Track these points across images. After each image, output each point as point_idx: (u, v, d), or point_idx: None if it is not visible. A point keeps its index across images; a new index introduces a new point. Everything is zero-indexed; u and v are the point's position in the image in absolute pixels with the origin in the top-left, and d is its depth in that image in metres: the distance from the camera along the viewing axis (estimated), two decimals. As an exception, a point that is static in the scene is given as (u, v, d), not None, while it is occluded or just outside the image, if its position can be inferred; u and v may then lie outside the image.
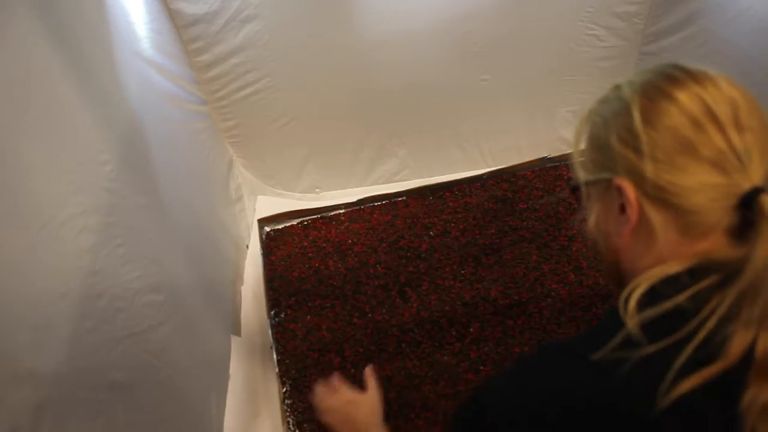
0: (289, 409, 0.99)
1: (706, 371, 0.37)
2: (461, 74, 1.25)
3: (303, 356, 1.06)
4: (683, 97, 0.41)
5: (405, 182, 1.42)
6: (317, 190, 1.41)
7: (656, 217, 0.42)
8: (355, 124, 1.31)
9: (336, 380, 0.81)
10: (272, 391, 1.02)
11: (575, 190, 0.51)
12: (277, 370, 1.03)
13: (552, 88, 1.28)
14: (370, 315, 1.12)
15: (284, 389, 1.02)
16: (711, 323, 0.37)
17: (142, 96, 0.81)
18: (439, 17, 1.13)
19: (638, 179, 0.43)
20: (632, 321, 0.39)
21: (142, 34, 0.88)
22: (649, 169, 0.42)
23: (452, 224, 1.28)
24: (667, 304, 0.39)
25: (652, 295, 0.41)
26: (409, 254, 1.23)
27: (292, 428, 0.97)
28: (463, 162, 1.43)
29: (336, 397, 0.79)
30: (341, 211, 1.34)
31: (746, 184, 0.39)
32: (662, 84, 0.43)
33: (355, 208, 1.35)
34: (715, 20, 1.05)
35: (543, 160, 1.38)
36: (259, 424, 0.97)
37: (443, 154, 1.41)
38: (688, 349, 0.37)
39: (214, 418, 0.86)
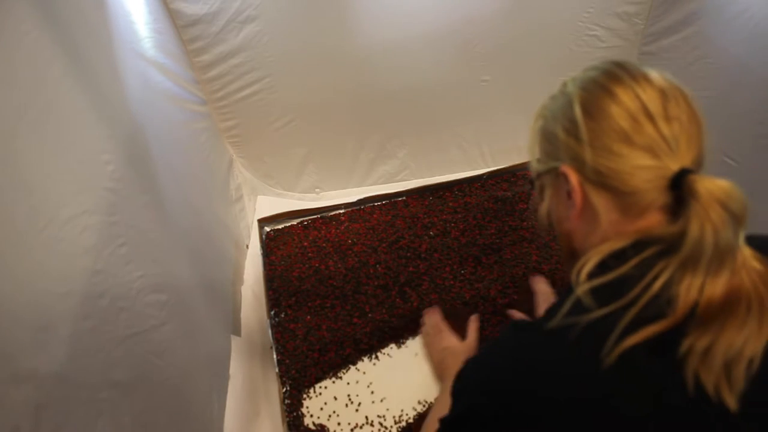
0: (288, 409, 0.99)
1: (651, 328, 0.40)
2: (461, 75, 1.25)
3: (303, 356, 1.06)
4: (620, 92, 0.46)
5: (405, 182, 1.42)
6: (317, 190, 1.41)
7: (598, 199, 0.48)
8: (355, 125, 1.31)
9: (443, 322, 0.89)
10: (272, 391, 1.02)
11: (533, 182, 0.56)
12: (277, 370, 1.03)
13: (552, 89, 1.28)
14: (370, 315, 1.12)
15: (284, 389, 1.01)
16: (656, 287, 0.41)
17: (143, 96, 0.81)
18: (439, 18, 1.13)
19: (580, 165, 0.48)
20: (582, 288, 0.44)
21: (143, 33, 0.88)
22: (588, 155, 0.47)
23: (452, 224, 1.29)
24: (614, 273, 0.43)
25: (601, 267, 0.45)
26: (409, 254, 1.23)
27: (292, 428, 0.97)
28: (463, 162, 1.43)
29: (438, 338, 0.87)
30: (341, 211, 1.34)
31: (675, 166, 0.44)
32: (603, 80, 0.48)
33: (355, 208, 1.35)
34: (713, 22, 1.05)
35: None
36: (259, 424, 0.96)
37: (443, 154, 1.41)
38: (633, 310, 0.41)
39: (215, 418, 0.86)
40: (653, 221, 0.46)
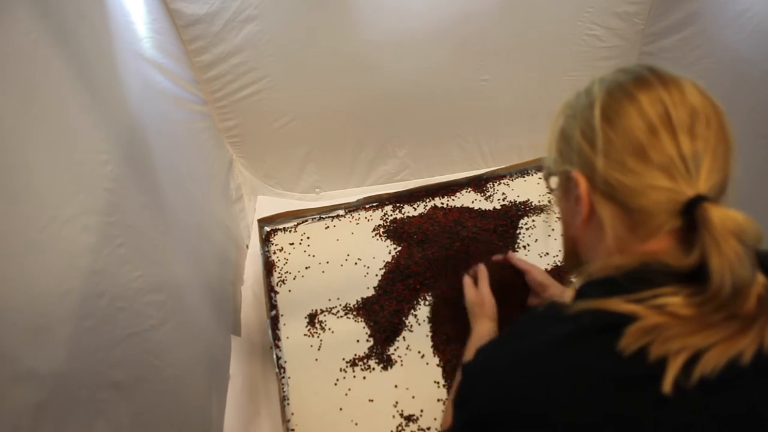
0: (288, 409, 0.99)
1: None
2: (461, 75, 1.25)
3: (304, 356, 1.05)
4: (645, 99, 0.43)
5: (405, 182, 1.42)
6: (317, 190, 1.41)
7: (605, 212, 0.45)
8: (355, 125, 1.31)
9: (478, 276, 0.99)
10: (272, 391, 1.02)
11: (547, 178, 0.54)
12: (277, 370, 1.03)
13: (552, 89, 1.28)
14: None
15: (284, 389, 1.01)
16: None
17: (143, 96, 0.81)
18: (439, 18, 1.13)
19: (591, 172, 0.45)
20: (569, 307, 0.43)
21: (143, 33, 0.88)
22: (600, 164, 0.44)
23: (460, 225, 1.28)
24: (601, 303, 0.42)
25: (609, 283, 0.44)
26: (409, 254, 1.22)
27: (292, 428, 0.97)
28: (463, 162, 1.43)
29: (470, 292, 0.97)
30: (341, 211, 1.34)
31: (690, 192, 0.41)
32: (629, 85, 0.45)
33: (355, 207, 1.35)
34: (713, 21, 1.05)
35: (543, 160, 1.38)
36: (259, 424, 0.96)
37: (443, 154, 1.41)
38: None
39: (214, 418, 0.86)
40: (663, 246, 0.43)
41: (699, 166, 0.41)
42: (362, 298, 1.14)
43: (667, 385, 0.37)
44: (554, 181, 0.53)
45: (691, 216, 0.41)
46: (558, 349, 0.43)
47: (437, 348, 1.05)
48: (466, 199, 1.35)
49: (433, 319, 1.09)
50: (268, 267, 1.23)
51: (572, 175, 0.47)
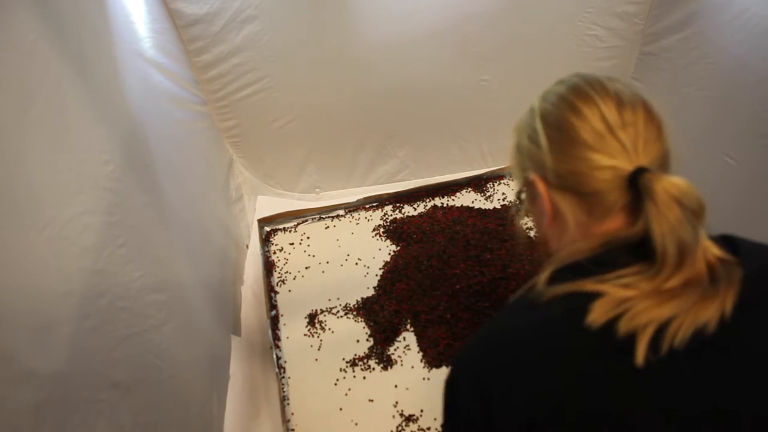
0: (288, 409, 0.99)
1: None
2: (461, 75, 1.25)
3: (304, 356, 1.05)
4: (585, 108, 0.48)
5: (405, 182, 1.42)
6: (317, 190, 1.41)
7: (563, 202, 0.49)
8: (355, 125, 1.31)
9: None
10: (272, 391, 1.02)
11: (518, 196, 0.58)
12: (277, 370, 1.03)
13: (552, 89, 1.28)
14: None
15: (284, 389, 1.01)
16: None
17: (143, 96, 0.81)
18: (439, 18, 1.13)
19: (543, 171, 0.50)
20: (542, 292, 0.47)
21: (143, 33, 0.88)
22: (548, 160, 0.49)
23: (458, 224, 1.28)
24: (570, 287, 0.45)
25: (576, 268, 0.47)
26: (409, 254, 1.22)
27: (291, 428, 0.97)
28: (463, 162, 1.43)
29: None
30: (341, 211, 1.35)
31: (631, 166, 0.45)
32: (568, 95, 0.50)
33: (354, 207, 1.35)
34: (713, 22, 1.05)
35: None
36: (259, 424, 0.96)
37: (443, 154, 1.41)
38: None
39: (215, 417, 0.86)
40: (618, 223, 0.47)
41: (636, 145, 0.46)
42: (362, 298, 1.14)
43: (640, 357, 0.40)
44: (523, 196, 0.57)
45: (637, 188, 0.45)
46: (533, 334, 0.46)
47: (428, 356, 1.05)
48: (466, 199, 1.36)
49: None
50: (268, 267, 1.23)
51: (530, 178, 0.52)
